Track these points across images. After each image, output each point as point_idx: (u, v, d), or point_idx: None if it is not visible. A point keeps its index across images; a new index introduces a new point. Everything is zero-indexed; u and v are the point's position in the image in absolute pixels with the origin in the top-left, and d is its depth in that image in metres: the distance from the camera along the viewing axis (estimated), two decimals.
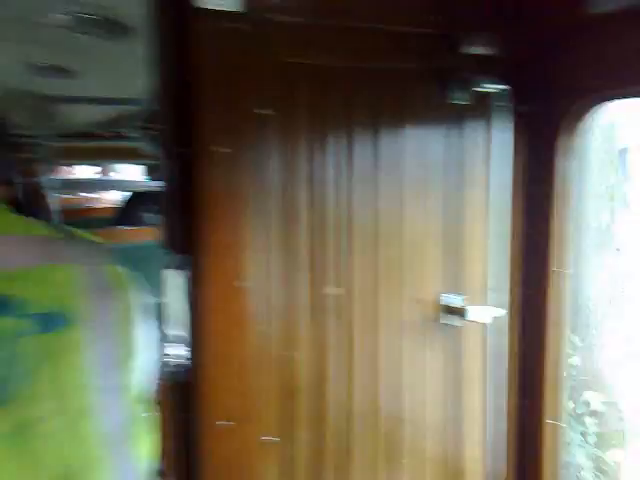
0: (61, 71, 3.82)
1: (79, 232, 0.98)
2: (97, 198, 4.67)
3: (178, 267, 1.19)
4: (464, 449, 1.41)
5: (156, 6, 1.23)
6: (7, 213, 0.86)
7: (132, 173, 4.54)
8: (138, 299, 0.92)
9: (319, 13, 1.24)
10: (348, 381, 1.28)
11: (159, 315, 1.22)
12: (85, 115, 4.01)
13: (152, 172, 3.59)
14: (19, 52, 3.60)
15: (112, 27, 3.02)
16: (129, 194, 3.72)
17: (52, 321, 0.75)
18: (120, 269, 0.94)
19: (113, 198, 4.53)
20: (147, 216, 3.43)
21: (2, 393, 0.67)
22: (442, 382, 1.39)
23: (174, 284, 1.20)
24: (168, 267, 1.23)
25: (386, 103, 1.31)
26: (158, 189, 3.44)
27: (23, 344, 0.71)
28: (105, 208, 4.32)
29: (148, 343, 0.93)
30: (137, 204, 3.54)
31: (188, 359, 1.19)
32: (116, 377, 0.82)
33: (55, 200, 2.64)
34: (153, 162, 3.36)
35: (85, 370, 0.75)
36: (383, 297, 1.31)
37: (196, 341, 1.17)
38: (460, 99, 1.31)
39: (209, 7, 1.14)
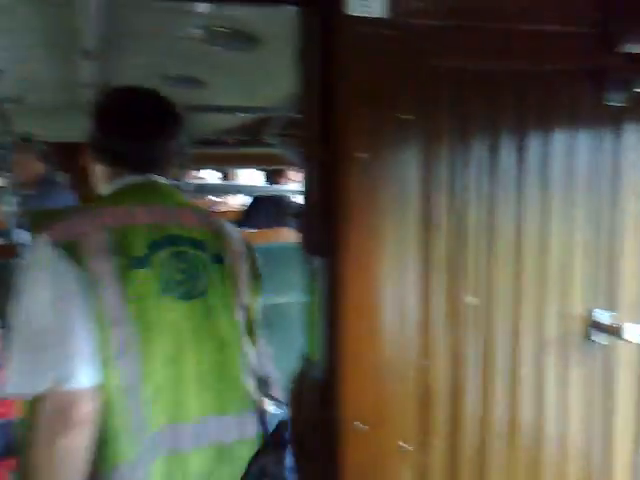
0: (194, 81, 4.07)
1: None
2: (222, 202, 4.92)
3: (316, 269, 1.22)
4: (612, 477, 1.31)
5: (300, 15, 1.27)
6: (179, 192, 1.31)
7: (253, 178, 4.74)
8: (254, 257, 1.39)
9: (463, 15, 1.22)
10: (485, 394, 1.24)
11: (298, 314, 1.26)
12: (217, 123, 4.24)
13: (275, 177, 3.72)
14: (156, 64, 3.88)
15: (242, 39, 3.17)
16: (252, 198, 3.88)
17: (218, 258, 1.23)
18: (242, 235, 1.39)
19: (237, 202, 4.75)
20: (270, 219, 3.56)
21: (204, 290, 1.17)
22: (588, 403, 1.30)
23: (312, 285, 1.23)
24: (307, 269, 1.25)
25: (532, 106, 1.25)
26: (281, 194, 3.54)
27: (209, 266, 1.20)
28: (231, 211, 4.54)
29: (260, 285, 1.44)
30: (260, 208, 3.68)
31: (324, 358, 1.21)
32: (244, 296, 1.31)
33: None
34: (286, 167, 3.48)
35: (233, 287, 1.25)
36: (525, 309, 1.25)
37: (333, 341, 1.19)
38: (616, 100, 1.23)
39: (355, 14, 1.15)
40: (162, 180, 1.25)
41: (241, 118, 3.70)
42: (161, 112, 1.28)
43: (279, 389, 2.53)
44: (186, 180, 2.70)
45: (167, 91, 4.01)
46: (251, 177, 4.90)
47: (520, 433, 1.26)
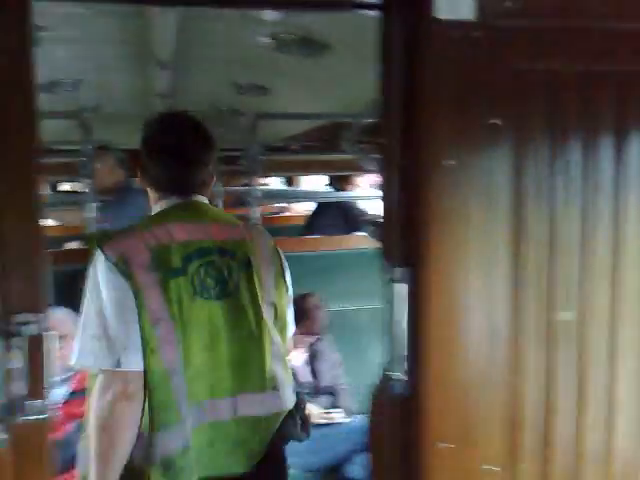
0: (262, 89, 4.12)
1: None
2: (286, 207, 4.95)
3: (398, 279, 1.18)
4: None
5: (382, 20, 1.24)
6: (221, 211, 1.59)
7: (317, 184, 4.74)
8: (283, 260, 1.51)
9: (557, 15, 1.15)
10: (578, 416, 1.16)
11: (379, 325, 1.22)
12: (285, 130, 4.28)
13: (341, 183, 3.70)
14: (226, 73, 3.95)
15: (311, 45, 3.17)
16: (316, 204, 3.88)
17: (246, 263, 1.40)
18: (272, 239, 1.53)
19: (302, 208, 4.77)
20: (335, 226, 3.54)
21: (233, 291, 1.37)
22: None
23: (394, 296, 1.19)
24: (388, 279, 1.22)
25: (631, 109, 1.17)
26: (347, 200, 3.50)
27: (238, 271, 1.39)
28: (295, 217, 4.57)
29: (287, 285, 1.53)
30: (324, 214, 3.66)
31: (407, 373, 1.17)
32: (271, 298, 1.44)
33: (257, 208, 2.83)
34: (354, 173, 3.46)
35: (260, 287, 1.41)
36: (622, 325, 1.17)
37: (415, 356, 1.14)
38: None
39: (443, 17, 1.12)
40: (200, 199, 1.46)
41: (308, 124, 3.71)
42: (199, 141, 1.45)
43: (348, 397, 2.51)
44: (253, 187, 2.72)
45: (237, 99, 4.07)
46: (315, 183, 4.90)
47: (617, 460, 1.18)
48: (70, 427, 2.12)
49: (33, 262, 1.05)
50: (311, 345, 2.48)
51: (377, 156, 1.28)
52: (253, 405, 1.37)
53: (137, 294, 1.26)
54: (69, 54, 3.36)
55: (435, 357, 1.11)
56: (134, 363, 1.25)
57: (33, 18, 1.04)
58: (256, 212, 2.76)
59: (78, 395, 2.21)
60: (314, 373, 2.44)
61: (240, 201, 4.92)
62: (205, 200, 1.46)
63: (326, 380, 2.43)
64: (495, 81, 1.13)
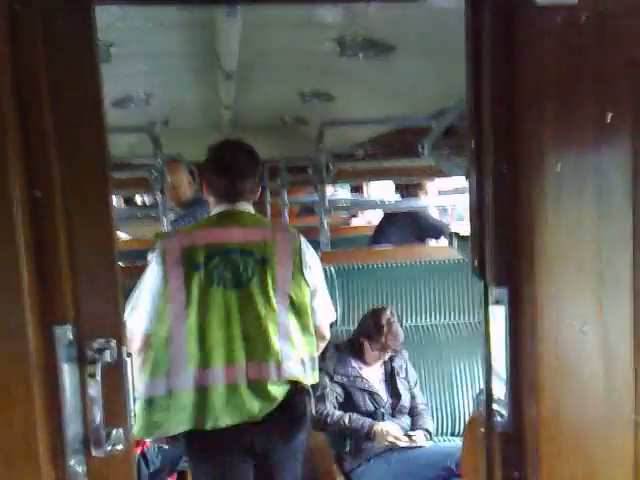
0: (326, 96, 4.05)
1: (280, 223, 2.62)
2: (355, 216, 4.84)
3: (495, 301, 1.05)
4: None
5: (469, 12, 1.12)
6: (256, 215, 1.90)
7: (385, 191, 4.60)
8: (304, 259, 1.81)
9: None
10: None
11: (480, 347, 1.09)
12: (352, 137, 4.19)
13: (410, 190, 3.56)
14: (291, 81, 3.90)
15: (375, 48, 3.06)
16: (384, 213, 3.75)
17: (263, 261, 1.75)
18: (298, 241, 1.84)
19: (369, 216, 4.65)
20: (405, 235, 3.41)
21: (246, 282, 1.72)
22: None
23: (491, 321, 1.06)
24: (483, 300, 1.09)
25: None
26: (418, 208, 3.34)
27: (253, 267, 1.74)
28: (364, 226, 4.46)
29: (317, 282, 1.88)
30: (394, 223, 3.53)
31: (509, 407, 1.03)
32: (291, 288, 1.78)
33: (325, 218, 2.74)
34: (424, 179, 3.31)
35: (272, 280, 1.75)
36: None
37: (520, 389, 1.01)
38: None
39: (543, 3, 0.98)
40: (242, 207, 1.86)
41: (375, 131, 3.60)
42: (246, 160, 1.87)
43: (428, 418, 2.37)
44: (321, 196, 2.63)
45: (301, 108, 4.01)
46: (382, 191, 4.77)
47: None
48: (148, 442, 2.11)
49: (108, 284, 0.99)
50: (387, 362, 2.36)
51: (461, 160, 1.15)
52: (259, 372, 1.74)
53: (165, 281, 1.72)
54: (139, 69, 3.41)
55: (544, 392, 0.97)
56: (145, 325, 1.73)
57: (97, 33, 0.98)
58: (324, 222, 2.67)
59: None
60: (391, 392, 2.31)
61: (308, 210, 4.87)
62: (247, 207, 1.87)
63: (405, 399, 2.30)
64: (607, 72, 0.98)
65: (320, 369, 2.40)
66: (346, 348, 2.36)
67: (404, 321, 2.55)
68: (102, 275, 0.97)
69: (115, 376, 0.97)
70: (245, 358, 1.74)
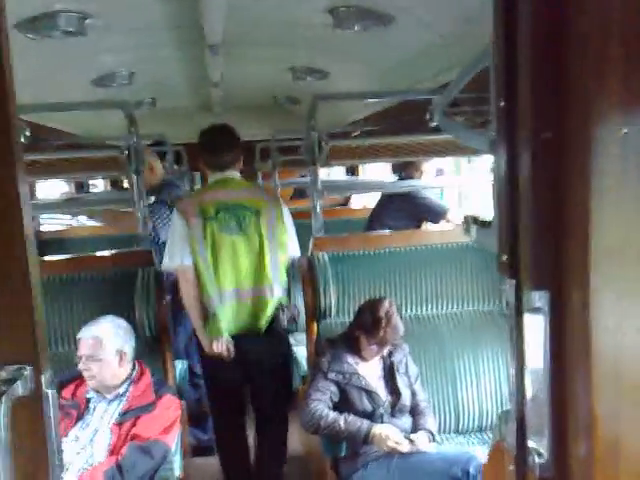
0: (319, 73, 3.75)
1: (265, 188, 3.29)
2: (350, 198, 4.56)
3: (530, 308, 0.79)
4: None
5: None
6: (243, 180, 2.48)
7: (382, 173, 4.32)
8: (283, 211, 2.39)
9: None
10: None
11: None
12: (347, 114, 3.88)
13: (407, 171, 3.27)
14: (282, 57, 3.60)
15: (370, 18, 2.76)
16: (380, 195, 3.48)
17: (255, 212, 2.30)
18: (278, 200, 2.47)
19: (366, 199, 4.37)
20: (402, 218, 3.14)
21: (246, 229, 2.30)
22: None
23: (523, 334, 0.80)
24: (512, 307, 0.83)
25: None
26: (415, 189, 3.06)
27: (250, 217, 2.30)
28: (359, 209, 4.18)
29: (289, 227, 2.41)
30: (390, 206, 3.27)
31: (550, 440, 0.78)
32: (275, 232, 2.32)
33: (318, 201, 2.46)
34: (423, 158, 3.03)
35: (266, 229, 2.30)
36: None
37: (566, 416, 0.76)
38: None
39: None
40: (231, 174, 2.42)
41: (372, 108, 3.31)
42: (227, 137, 2.45)
43: (431, 417, 2.13)
44: (314, 178, 2.34)
45: (293, 85, 3.69)
46: (379, 172, 4.49)
47: None
48: (125, 451, 1.85)
49: (20, 297, 0.73)
50: (385, 357, 2.11)
51: (486, 132, 0.89)
52: (259, 292, 2.30)
53: (189, 228, 2.26)
54: (119, 44, 3.11)
55: (601, 423, 0.71)
56: (188, 261, 2.26)
57: None
58: (317, 206, 2.40)
59: (130, 415, 1.95)
60: (391, 389, 2.06)
61: (301, 193, 4.59)
62: (234, 174, 2.42)
63: (405, 397, 2.05)
64: None
65: (314, 366, 2.16)
66: (341, 343, 2.10)
67: (404, 311, 2.29)
68: (11, 287, 0.70)
69: (32, 413, 0.71)
70: (249, 283, 2.30)
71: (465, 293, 2.40)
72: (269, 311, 2.29)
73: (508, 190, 0.81)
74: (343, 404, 2.01)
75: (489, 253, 2.60)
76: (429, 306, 2.38)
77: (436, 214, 3.18)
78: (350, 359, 2.06)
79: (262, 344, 2.32)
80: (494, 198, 0.85)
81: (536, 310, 0.77)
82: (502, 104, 0.80)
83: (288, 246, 2.36)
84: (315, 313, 2.24)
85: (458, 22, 2.40)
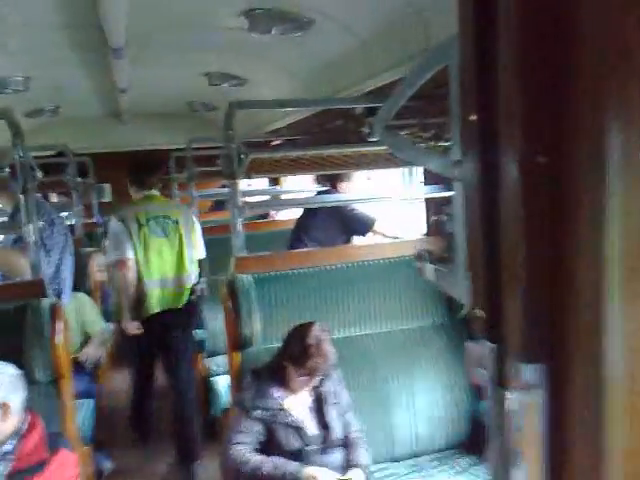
0: (236, 79, 3.46)
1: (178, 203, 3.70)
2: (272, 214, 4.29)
3: (517, 385, 0.58)
4: None
5: None
6: (163, 197, 3.19)
7: (305, 183, 4.09)
8: (193, 220, 3.08)
9: None
10: None
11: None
12: (268, 122, 3.61)
13: (334, 183, 3.05)
14: (193, 62, 3.29)
15: (288, 22, 2.54)
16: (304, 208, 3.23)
17: (175, 222, 2.99)
18: (190, 213, 3.18)
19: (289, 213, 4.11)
20: (330, 232, 2.93)
21: (169, 234, 2.97)
22: None
23: (507, 421, 0.59)
24: (487, 380, 0.61)
25: None
26: (352, 202, 2.83)
27: (171, 225, 2.99)
28: (282, 221, 3.92)
29: (198, 233, 3.10)
30: (316, 219, 3.03)
31: None
32: (189, 235, 3.02)
33: (238, 218, 2.18)
34: (350, 170, 2.81)
35: (183, 233, 2.98)
36: None
37: None
38: None
39: None
40: (154, 192, 3.04)
41: (294, 116, 3.08)
42: (155, 164, 3.16)
43: (364, 450, 1.92)
44: (233, 193, 2.05)
45: (209, 92, 3.37)
46: (301, 182, 4.26)
47: None
48: None
49: None
50: (315, 388, 1.87)
51: (443, 152, 0.67)
52: (180, 281, 2.94)
53: (129, 232, 2.84)
54: (9, 45, 2.70)
55: None
56: (130, 254, 2.82)
57: None
58: (237, 223, 2.13)
59: (19, 477, 1.59)
60: (321, 423, 1.83)
61: (222, 204, 4.27)
62: (156, 192, 3.04)
63: (337, 430, 1.83)
64: None
65: (236, 402, 1.89)
66: (267, 374, 1.84)
67: (334, 333, 2.07)
68: None
69: None
70: (172, 273, 2.92)
71: (396, 310, 2.22)
72: (186, 293, 2.97)
73: (485, 227, 0.59)
74: (269, 444, 1.76)
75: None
76: (360, 326, 2.17)
77: (364, 225, 2.99)
78: (276, 393, 1.81)
79: (181, 315, 2.98)
80: (468, 236, 0.64)
81: (528, 387, 0.56)
82: (472, 117, 0.58)
83: (199, 246, 3.06)
84: (237, 342, 1.96)
85: (380, 25, 2.23)
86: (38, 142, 3.81)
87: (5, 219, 2.40)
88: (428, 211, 2.39)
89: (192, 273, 2.97)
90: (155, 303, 2.88)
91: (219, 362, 3.07)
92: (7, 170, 1.68)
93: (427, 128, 1.39)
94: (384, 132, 0.92)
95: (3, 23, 2.31)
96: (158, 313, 2.89)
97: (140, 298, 2.85)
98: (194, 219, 3.04)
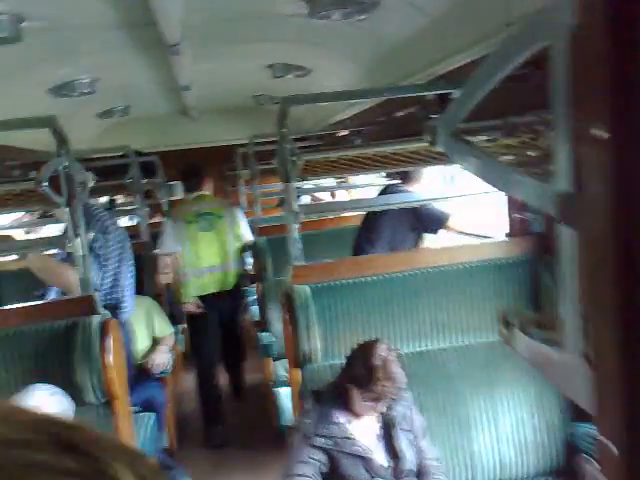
0: (300, 69, 3.28)
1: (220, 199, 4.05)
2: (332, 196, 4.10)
3: None
4: None
5: None
6: (212, 196, 3.74)
7: (374, 181, 3.83)
8: (238, 215, 3.66)
9: None
10: None
11: None
12: (330, 115, 3.42)
13: (403, 178, 2.80)
14: (256, 53, 3.13)
15: (352, 4, 2.34)
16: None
17: (220, 217, 3.57)
18: (234, 209, 3.77)
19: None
20: (400, 234, 2.68)
21: (214, 228, 3.54)
22: None
23: None
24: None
25: None
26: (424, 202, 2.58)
27: (217, 220, 3.58)
28: (347, 217, 3.69)
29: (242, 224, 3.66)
30: (385, 220, 2.77)
31: None
32: (232, 229, 3.59)
33: (294, 224, 1.98)
34: (420, 167, 2.55)
35: (227, 225, 3.57)
36: None
37: None
38: None
39: None
40: (204, 192, 3.60)
41: (358, 108, 2.85)
42: (197, 170, 3.65)
43: (440, 478, 1.70)
44: (288, 199, 1.84)
45: (272, 84, 3.19)
46: (369, 177, 4.00)
47: None
48: None
49: None
50: (384, 412, 1.67)
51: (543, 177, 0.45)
52: (226, 267, 3.50)
53: (180, 230, 3.41)
54: (73, 48, 2.66)
55: None
56: (177, 248, 3.40)
57: None
58: (293, 229, 1.94)
59: None
60: (392, 452, 1.62)
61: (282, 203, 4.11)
62: (207, 192, 3.59)
63: (409, 459, 1.61)
64: None
65: (297, 427, 1.72)
66: (329, 395, 1.66)
67: (405, 348, 1.85)
68: None
69: None
70: (220, 262, 3.46)
71: (474, 321, 1.95)
72: (232, 277, 3.51)
73: (618, 292, 0.35)
74: (332, 475, 1.58)
75: (501, 274, 2.06)
76: (434, 340, 1.93)
77: (437, 222, 2.71)
78: (340, 417, 1.62)
79: (231, 292, 3.55)
80: (569, 293, 0.40)
81: None
82: (599, 132, 0.34)
83: (243, 236, 3.56)
84: (297, 359, 1.79)
85: (453, 1, 1.95)
86: (111, 142, 3.84)
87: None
88: (510, 207, 2.09)
89: (235, 261, 3.53)
90: (208, 285, 3.47)
91: (287, 365, 2.93)
92: (44, 184, 1.56)
93: (516, 131, 1.00)
94: (451, 140, 0.67)
95: (63, 27, 2.25)
96: (213, 293, 3.48)
97: (193, 283, 3.46)
98: (237, 214, 3.58)
